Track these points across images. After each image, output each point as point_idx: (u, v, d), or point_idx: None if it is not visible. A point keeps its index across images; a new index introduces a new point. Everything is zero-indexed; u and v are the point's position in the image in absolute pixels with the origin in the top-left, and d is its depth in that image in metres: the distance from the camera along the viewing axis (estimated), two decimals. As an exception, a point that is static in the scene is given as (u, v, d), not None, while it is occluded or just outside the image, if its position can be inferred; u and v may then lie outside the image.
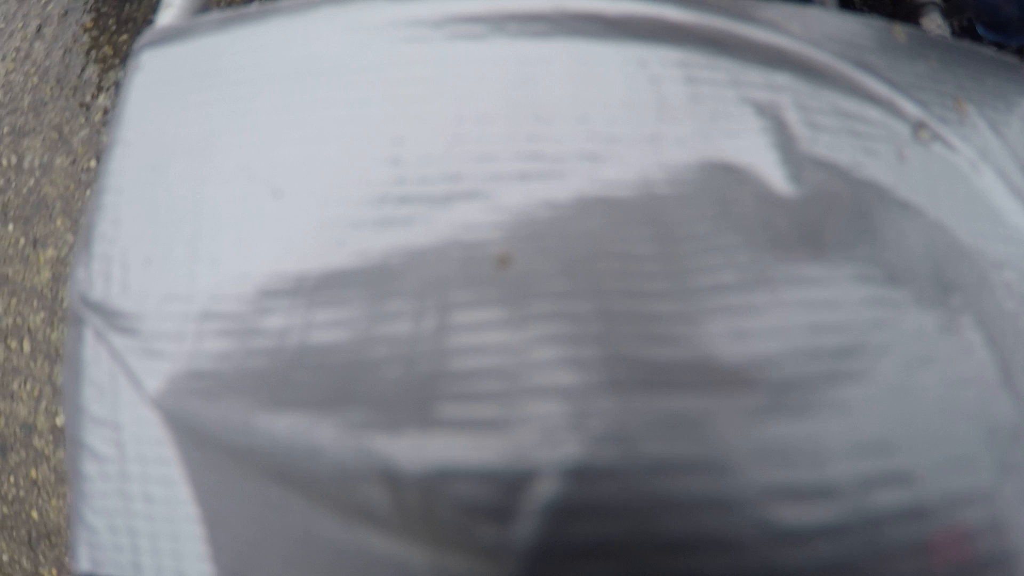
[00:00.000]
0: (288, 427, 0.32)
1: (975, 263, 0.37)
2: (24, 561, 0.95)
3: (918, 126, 0.40)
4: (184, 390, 0.34)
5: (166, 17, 0.47)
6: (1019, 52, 0.88)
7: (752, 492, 0.30)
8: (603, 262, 0.33)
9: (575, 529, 0.29)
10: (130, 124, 0.41)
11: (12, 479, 0.99)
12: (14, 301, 1.06)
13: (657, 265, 0.33)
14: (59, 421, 1.01)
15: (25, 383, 1.02)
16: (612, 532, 0.29)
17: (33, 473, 0.99)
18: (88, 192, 1.10)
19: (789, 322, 0.33)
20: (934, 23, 0.52)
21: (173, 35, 0.44)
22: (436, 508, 0.30)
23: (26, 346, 1.04)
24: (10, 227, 1.11)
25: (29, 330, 1.05)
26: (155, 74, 0.43)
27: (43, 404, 1.01)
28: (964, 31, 0.95)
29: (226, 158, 0.38)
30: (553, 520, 0.29)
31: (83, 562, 0.35)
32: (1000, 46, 0.87)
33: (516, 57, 0.39)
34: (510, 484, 0.30)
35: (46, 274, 1.07)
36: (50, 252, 1.08)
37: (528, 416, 0.31)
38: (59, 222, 1.10)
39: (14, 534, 0.97)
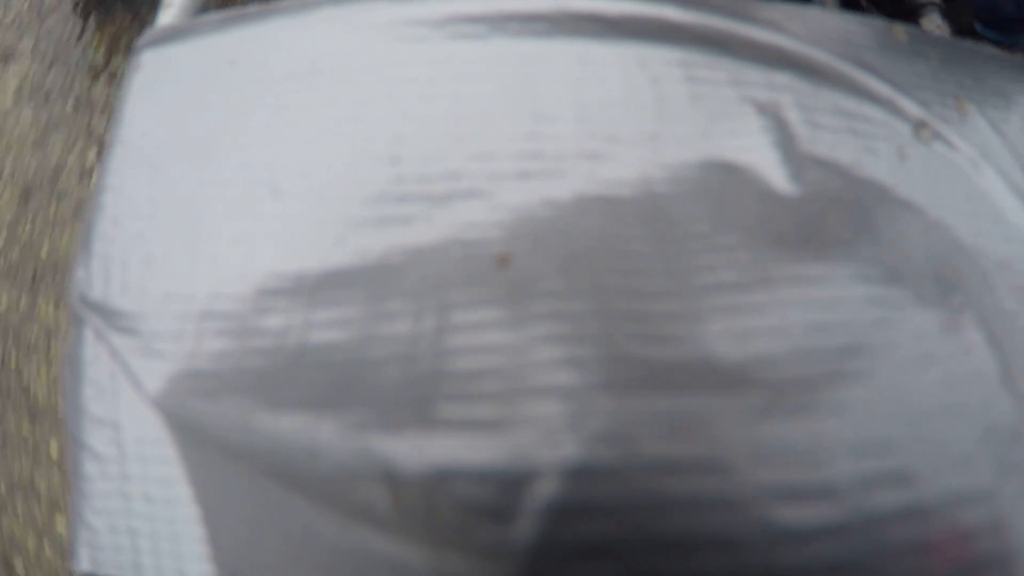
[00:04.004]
0: (288, 427, 0.32)
1: (976, 262, 0.37)
2: (23, 301, 0.99)
3: (919, 125, 0.40)
4: (184, 390, 0.34)
5: (166, 17, 0.47)
6: (1012, 48, 0.88)
7: (752, 492, 0.30)
8: (603, 261, 0.33)
9: (574, 529, 0.29)
10: (130, 124, 0.41)
11: (31, 218, 1.04)
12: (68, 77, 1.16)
13: (657, 264, 0.33)
14: (88, 163, 1.07)
15: (61, 135, 1.10)
16: (612, 532, 0.29)
17: (52, 210, 1.04)
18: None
19: (789, 321, 0.33)
20: (934, 23, 0.52)
21: (173, 35, 0.44)
22: (436, 508, 0.30)
23: (69, 105, 1.13)
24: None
25: (73, 89, 1.14)
26: (155, 74, 0.43)
27: (78, 147, 1.09)
28: (964, 30, 0.95)
29: (226, 158, 0.38)
30: (553, 520, 0.29)
31: (83, 562, 0.35)
32: (1000, 45, 0.87)
33: (516, 57, 0.39)
34: (510, 484, 0.30)
35: (102, 50, 1.18)
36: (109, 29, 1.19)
37: (528, 416, 0.31)
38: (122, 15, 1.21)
39: (19, 275, 1.00)
